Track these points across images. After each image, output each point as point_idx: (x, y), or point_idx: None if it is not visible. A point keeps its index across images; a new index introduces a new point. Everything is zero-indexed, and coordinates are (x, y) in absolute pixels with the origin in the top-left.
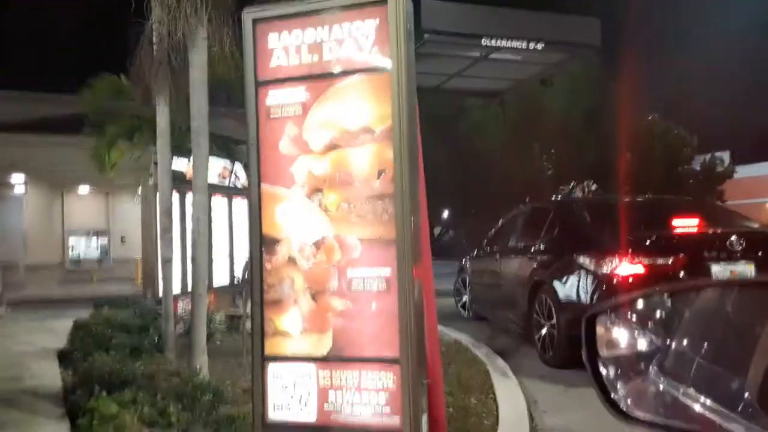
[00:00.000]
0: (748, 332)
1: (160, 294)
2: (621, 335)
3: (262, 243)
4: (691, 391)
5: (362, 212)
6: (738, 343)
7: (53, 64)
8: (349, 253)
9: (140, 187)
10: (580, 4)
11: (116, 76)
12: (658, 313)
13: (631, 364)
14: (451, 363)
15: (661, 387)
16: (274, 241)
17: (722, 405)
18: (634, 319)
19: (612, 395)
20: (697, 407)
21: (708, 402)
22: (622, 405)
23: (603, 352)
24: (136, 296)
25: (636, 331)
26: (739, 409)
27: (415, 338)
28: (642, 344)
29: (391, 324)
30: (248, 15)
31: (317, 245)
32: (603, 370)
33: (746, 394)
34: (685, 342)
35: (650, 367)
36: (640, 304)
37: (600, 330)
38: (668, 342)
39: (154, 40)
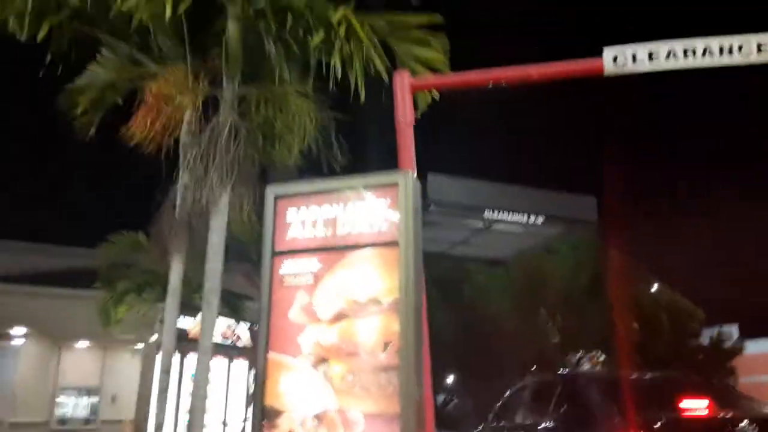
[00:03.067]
0: None
1: None
2: None
3: (264, 415)
4: None
5: (366, 384)
6: None
7: (69, 218)
8: (351, 429)
9: (141, 345)
10: (579, 181)
11: (135, 234)
12: None
13: None
14: None
15: None
16: (276, 413)
17: None
18: None
19: None
20: None
21: None
22: None
23: None
24: None
25: None
26: None
27: None
28: None
29: None
30: (271, 191)
31: (319, 418)
32: None
33: None
34: None
35: None
36: None
37: None
38: None
39: (178, 202)
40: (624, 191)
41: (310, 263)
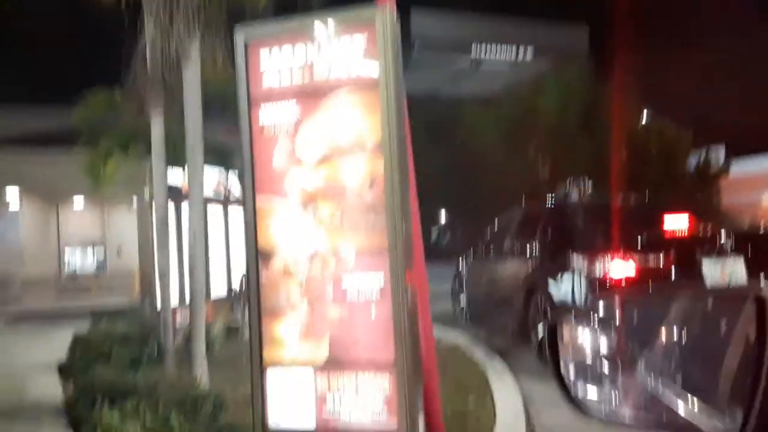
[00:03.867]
0: (719, 335)
1: (159, 305)
2: (586, 338)
3: (258, 255)
4: (667, 390)
5: (355, 223)
6: (710, 345)
7: (46, 77)
8: (344, 263)
9: (135, 200)
10: (570, 10)
11: (111, 91)
12: (625, 318)
13: (599, 367)
14: (448, 365)
15: (642, 388)
16: (269, 254)
17: (699, 402)
18: (599, 324)
19: (573, 395)
20: (674, 406)
21: (686, 400)
22: (583, 404)
23: (567, 354)
24: (134, 308)
25: (601, 335)
26: (714, 405)
27: (409, 343)
28: (607, 347)
29: (386, 330)
30: (240, 33)
31: (312, 256)
32: (566, 372)
33: (719, 391)
34: (659, 344)
35: (626, 373)
36: (606, 308)
37: (565, 333)
38: (641, 344)
39: (149, 56)
40: (615, 19)
41: (289, 108)
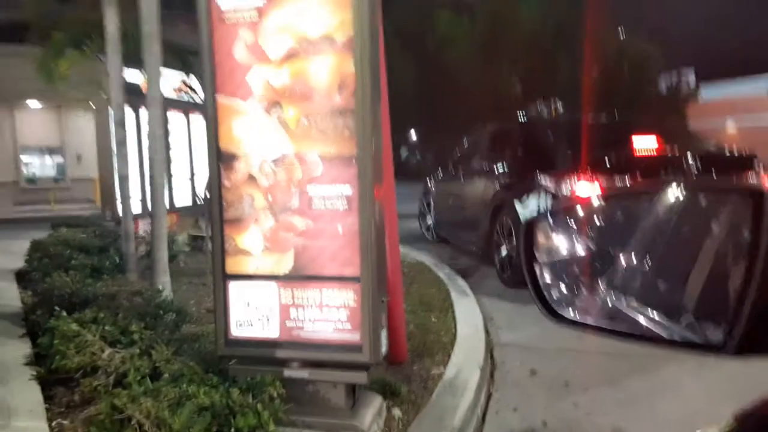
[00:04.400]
0: (691, 242)
1: (120, 214)
2: (559, 241)
3: (220, 158)
4: (635, 303)
5: (323, 128)
6: (682, 254)
7: None
8: (310, 171)
9: (93, 102)
10: None
11: None
12: (597, 219)
13: (572, 272)
14: (413, 283)
15: (608, 300)
16: (232, 157)
17: (664, 316)
18: (573, 225)
19: (546, 298)
20: (640, 318)
21: (650, 314)
22: (556, 308)
23: (541, 257)
24: (95, 216)
25: (574, 237)
26: (680, 320)
27: (375, 257)
28: (580, 250)
29: (352, 243)
30: None
31: (277, 162)
32: (539, 275)
33: (685, 305)
34: (628, 253)
35: (599, 282)
36: (579, 210)
37: (539, 235)
38: (609, 250)
39: None
40: None
41: None
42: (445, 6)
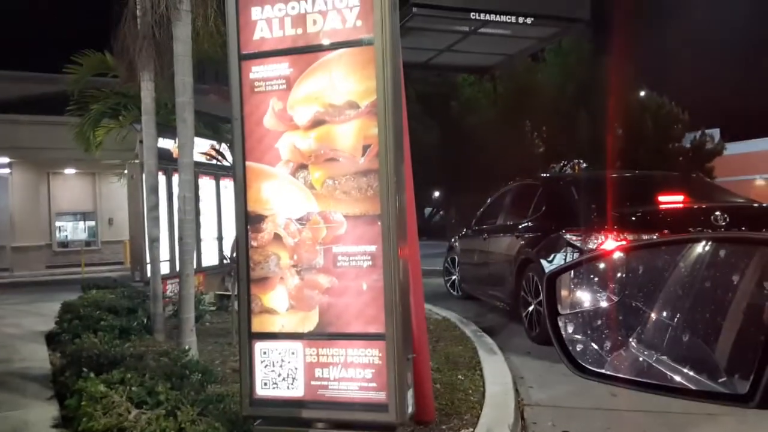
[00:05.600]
0: (719, 295)
1: (149, 275)
2: (583, 294)
3: (247, 220)
4: (663, 356)
5: (347, 188)
6: (709, 307)
7: (36, 42)
8: (335, 230)
9: (126, 167)
10: None
11: (101, 53)
12: (621, 273)
13: (598, 326)
14: (439, 340)
15: (639, 356)
16: (259, 218)
17: (693, 368)
18: (596, 279)
19: (571, 352)
20: (668, 371)
21: (679, 366)
22: (581, 361)
23: (564, 310)
24: (124, 278)
25: (598, 291)
26: (709, 372)
27: (400, 314)
28: (605, 304)
29: (377, 300)
30: None
31: (302, 222)
32: (563, 329)
33: (716, 361)
34: (656, 306)
35: (626, 335)
36: (602, 263)
37: (561, 289)
38: (636, 304)
39: (138, 13)
40: None
41: (281, 67)
42: (467, 70)
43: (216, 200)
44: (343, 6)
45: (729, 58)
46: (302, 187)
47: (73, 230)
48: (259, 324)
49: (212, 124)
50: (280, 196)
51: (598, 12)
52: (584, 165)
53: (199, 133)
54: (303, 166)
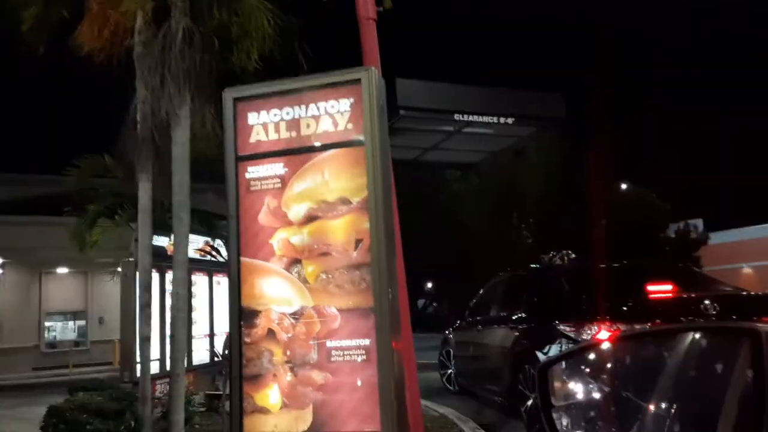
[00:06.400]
0: (710, 385)
1: (138, 375)
2: (575, 386)
3: (241, 315)
4: None
5: (340, 282)
6: (702, 397)
7: (32, 145)
8: (329, 324)
9: (120, 266)
10: (547, 79)
11: (100, 156)
12: (611, 363)
13: (592, 418)
14: None
15: None
16: (253, 313)
17: None
18: (587, 369)
19: None
20: None
21: None
22: None
23: (558, 402)
24: (113, 378)
25: (589, 381)
26: None
27: (396, 410)
28: (597, 395)
29: (372, 397)
30: (229, 94)
31: (296, 316)
32: (559, 422)
33: None
34: (648, 398)
35: (621, 428)
36: (594, 354)
37: (554, 381)
38: (627, 395)
39: (138, 118)
40: (592, 88)
41: (276, 167)
42: (453, 166)
43: (209, 296)
44: (335, 111)
45: (709, 148)
46: (296, 281)
47: (62, 330)
48: (250, 425)
49: (207, 221)
50: (274, 290)
51: (576, 111)
52: (573, 255)
53: (193, 230)
54: (297, 261)
